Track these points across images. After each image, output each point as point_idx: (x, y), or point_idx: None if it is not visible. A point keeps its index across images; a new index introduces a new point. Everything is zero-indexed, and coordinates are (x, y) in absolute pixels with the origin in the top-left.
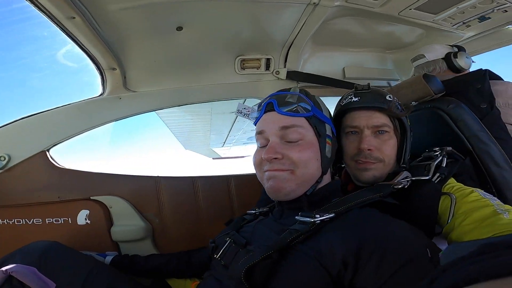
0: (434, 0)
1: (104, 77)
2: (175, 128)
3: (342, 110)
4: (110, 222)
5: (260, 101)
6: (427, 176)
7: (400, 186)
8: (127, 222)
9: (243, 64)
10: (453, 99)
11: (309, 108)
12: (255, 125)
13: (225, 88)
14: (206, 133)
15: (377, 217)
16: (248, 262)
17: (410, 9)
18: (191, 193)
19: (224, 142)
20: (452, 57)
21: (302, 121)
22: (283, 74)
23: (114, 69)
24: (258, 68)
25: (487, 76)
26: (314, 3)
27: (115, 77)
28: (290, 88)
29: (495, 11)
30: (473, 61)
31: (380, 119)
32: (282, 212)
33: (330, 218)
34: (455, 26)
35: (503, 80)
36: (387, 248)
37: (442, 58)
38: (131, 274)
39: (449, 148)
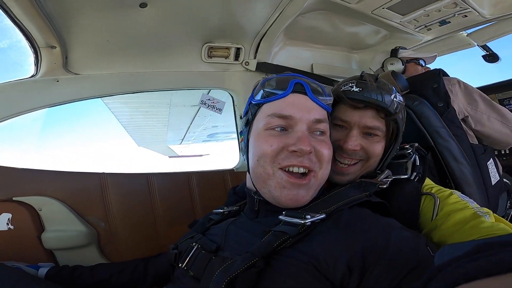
0: (405, 2)
1: (39, 56)
2: (127, 120)
3: (338, 96)
4: (40, 227)
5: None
6: (407, 175)
7: (384, 186)
8: (63, 227)
9: (211, 52)
10: (417, 97)
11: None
12: (259, 102)
13: (189, 76)
14: (163, 127)
15: (375, 218)
16: (228, 273)
17: (383, 8)
18: (146, 193)
19: (183, 139)
20: (383, 65)
21: (327, 116)
22: (252, 65)
23: (53, 47)
24: (226, 57)
25: (441, 75)
26: None
27: (54, 56)
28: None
29: (456, 15)
30: (403, 64)
31: (375, 120)
32: (258, 211)
33: (321, 219)
34: (417, 29)
35: None
36: (394, 252)
37: (381, 67)
38: None
39: (416, 145)
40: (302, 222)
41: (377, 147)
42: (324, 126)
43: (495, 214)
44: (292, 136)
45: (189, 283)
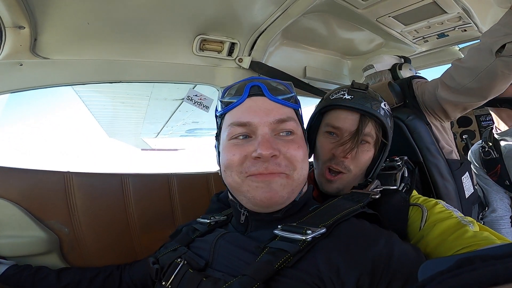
0: (412, 12)
1: (3, 36)
2: (98, 110)
3: (329, 104)
4: None
5: (214, 87)
6: (395, 186)
7: (377, 196)
8: (17, 233)
9: (203, 45)
10: (412, 111)
11: (298, 99)
12: (220, 113)
13: (176, 69)
14: (140, 120)
15: (375, 231)
16: None
17: (389, 17)
18: (119, 195)
19: (159, 133)
20: (397, 69)
21: (294, 114)
22: (246, 63)
23: (21, 27)
24: (219, 52)
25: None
26: None
27: (20, 37)
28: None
29: (457, 29)
30: (417, 73)
31: (366, 127)
32: (248, 224)
33: (322, 233)
34: (415, 40)
35: None
36: (398, 267)
37: (388, 69)
38: None
39: (406, 158)
40: (303, 238)
41: (366, 156)
42: (291, 125)
43: (478, 223)
44: (254, 142)
45: None
